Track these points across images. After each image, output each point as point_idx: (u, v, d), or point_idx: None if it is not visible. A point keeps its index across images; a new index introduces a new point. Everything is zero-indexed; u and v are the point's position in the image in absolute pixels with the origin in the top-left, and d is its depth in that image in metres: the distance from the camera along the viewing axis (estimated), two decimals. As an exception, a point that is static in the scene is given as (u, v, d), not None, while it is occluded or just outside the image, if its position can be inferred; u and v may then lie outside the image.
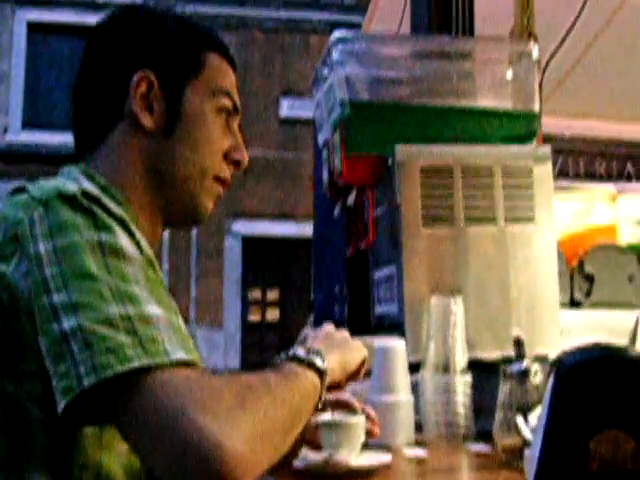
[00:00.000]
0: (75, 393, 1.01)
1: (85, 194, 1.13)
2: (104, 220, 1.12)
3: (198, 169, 1.36)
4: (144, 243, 1.19)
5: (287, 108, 16.07)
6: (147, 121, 1.32)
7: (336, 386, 1.38)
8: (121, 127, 1.33)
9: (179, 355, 1.05)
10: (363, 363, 1.45)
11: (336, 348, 1.35)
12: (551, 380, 1.09)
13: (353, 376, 1.43)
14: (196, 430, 0.99)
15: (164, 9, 1.43)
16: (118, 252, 1.10)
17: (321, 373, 1.24)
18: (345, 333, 1.44)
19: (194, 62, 1.36)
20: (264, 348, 15.81)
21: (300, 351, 1.25)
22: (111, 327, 1.03)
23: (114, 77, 1.33)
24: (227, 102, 1.40)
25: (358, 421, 1.50)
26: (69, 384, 1.01)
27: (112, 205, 1.16)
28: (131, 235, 1.15)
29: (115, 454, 1.13)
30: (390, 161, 2.24)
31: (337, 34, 2.42)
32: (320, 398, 1.24)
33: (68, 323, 1.03)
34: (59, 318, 1.04)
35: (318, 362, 1.24)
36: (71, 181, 1.21)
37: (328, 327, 1.45)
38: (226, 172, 1.41)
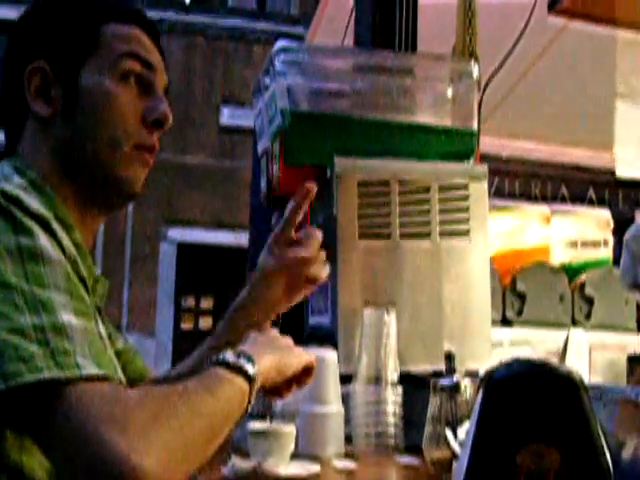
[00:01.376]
0: None
1: (4, 195, 1.11)
2: (23, 223, 1.10)
3: (108, 143, 1.31)
4: (67, 242, 1.17)
5: (227, 116, 16.01)
6: (43, 110, 1.31)
7: (276, 391, 1.38)
8: (30, 122, 1.33)
9: (91, 369, 1.03)
10: (310, 371, 1.43)
11: (273, 352, 1.33)
12: (480, 394, 1.10)
13: (299, 383, 1.42)
14: (105, 447, 0.97)
15: None
16: (38, 256, 1.08)
17: (250, 378, 1.21)
18: (288, 339, 1.42)
19: (87, 42, 1.32)
20: (196, 357, 15.65)
21: (229, 355, 1.22)
22: (23, 337, 1.01)
23: (14, 72, 1.33)
24: (131, 64, 1.34)
25: (288, 430, 1.50)
26: None
27: (34, 203, 1.14)
28: (52, 235, 1.13)
29: (37, 458, 1.11)
30: (329, 173, 2.25)
31: (280, 44, 2.42)
32: (249, 402, 1.22)
33: None
34: None
35: (247, 367, 1.21)
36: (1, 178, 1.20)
37: (271, 332, 1.43)
38: (145, 137, 1.35)
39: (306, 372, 1.42)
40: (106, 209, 1.40)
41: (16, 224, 1.09)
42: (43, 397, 1.01)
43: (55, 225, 1.15)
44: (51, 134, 1.32)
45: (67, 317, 1.05)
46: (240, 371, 1.21)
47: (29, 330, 1.02)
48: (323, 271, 1.64)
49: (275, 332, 1.44)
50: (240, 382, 1.20)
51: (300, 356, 1.40)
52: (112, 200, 1.38)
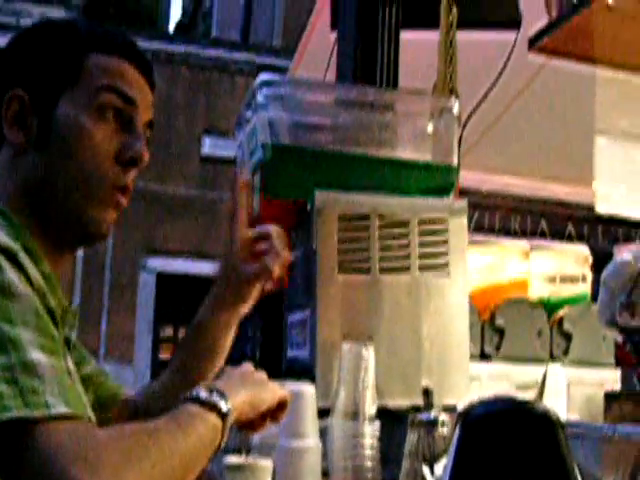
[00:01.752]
0: None
1: None
2: None
3: (78, 179, 1.29)
4: (34, 274, 1.16)
5: (209, 146, 16.03)
6: (18, 138, 1.30)
7: (250, 425, 1.37)
8: (4, 150, 1.32)
9: (60, 408, 1.02)
10: (284, 405, 1.42)
11: (247, 387, 1.32)
12: (457, 431, 1.11)
13: (274, 418, 1.41)
14: None
15: (55, 24, 1.39)
16: (5, 291, 1.07)
17: (223, 415, 1.21)
18: (263, 374, 1.42)
19: (67, 72, 1.30)
20: (173, 387, 15.58)
21: (202, 392, 1.21)
22: None
23: None
24: (110, 98, 1.31)
25: (265, 464, 1.49)
26: None
27: (0, 235, 1.13)
28: (19, 268, 1.12)
29: None
30: (309, 206, 2.26)
31: (263, 77, 2.43)
32: (222, 439, 1.21)
33: None
34: None
35: (220, 404, 1.21)
36: None
37: (246, 366, 1.42)
38: (118, 177, 1.32)
39: (280, 407, 1.41)
40: (72, 246, 1.38)
41: None
42: (12, 436, 0.99)
43: (22, 257, 1.14)
44: (23, 163, 1.30)
45: (36, 355, 1.04)
46: (213, 407, 1.20)
47: None
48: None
49: (249, 367, 1.42)
50: (213, 419, 1.20)
51: (274, 391, 1.39)
52: (77, 239, 1.36)
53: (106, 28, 1.39)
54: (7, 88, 1.30)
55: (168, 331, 16.28)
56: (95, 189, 1.30)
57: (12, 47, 1.35)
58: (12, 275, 1.09)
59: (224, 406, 1.21)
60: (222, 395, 1.22)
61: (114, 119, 1.32)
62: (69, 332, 1.35)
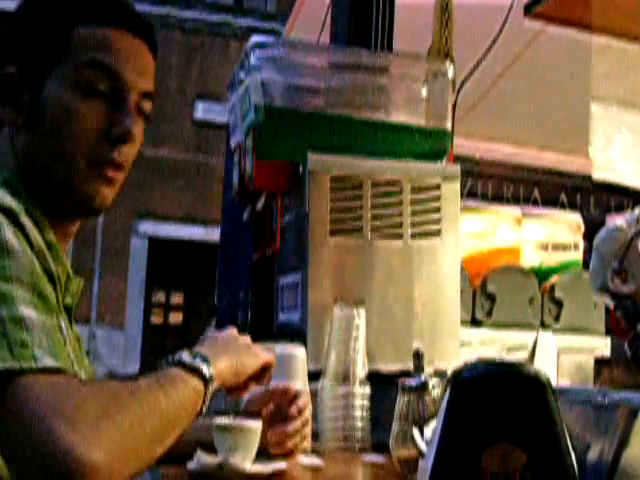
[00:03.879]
0: None
1: None
2: None
3: (65, 157, 1.29)
4: (37, 235, 1.17)
5: (202, 111, 15.96)
6: (10, 116, 1.30)
7: (236, 389, 1.39)
8: (5, 128, 1.33)
9: (46, 361, 1.03)
10: (268, 368, 1.45)
11: (230, 352, 1.34)
12: (447, 393, 1.10)
13: (257, 379, 1.43)
14: (53, 439, 0.97)
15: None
16: (2, 248, 1.08)
17: (205, 379, 1.22)
18: (247, 338, 1.44)
19: (54, 47, 1.29)
20: (165, 351, 15.52)
21: (185, 356, 1.22)
22: None
23: None
24: (94, 75, 1.28)
25: (254, 426, 1.49)
26: None
27: (5, 198, 1.15)
28: (20, 228, 1.13)
29: None
30: (301, 169, 2.25)
31: (256, 38, 2.41)
32: (204, 403, 1.22)
33: None
34: None
35: (202, 368, 1.22)
36: None
37: (230, 331, 1.44)
38: (104, 153, 1.30)
39: (264, 370, 1.44)
40: (71, 219, 1.38)
41: None
42: None
43: (24, 219, 1.15)
44: (17, 141, 1.31)
45: (27, 311, 1.05)
46: (196, 372, 1.21)
47: None
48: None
49: (233, 331, 1.44)
50: (195, 383, 1.21)
51: (257, 355, 1.42)
52: (73, 213, 1.36)
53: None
54: (1, 65, 1.30)
55: (160, 296, 16.30)
56: (83, 166, 1.29)
57: (6, 24, 1.35)
58: (9, 234, 1.10)
59: (207, 370, 1.22)
60: (205, 360, 1.23)
61: (102, 95, 1.30)
62: (72, 301, 1.35)
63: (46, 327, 1.07)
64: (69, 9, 1.31)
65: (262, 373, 1.44)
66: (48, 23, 1.30)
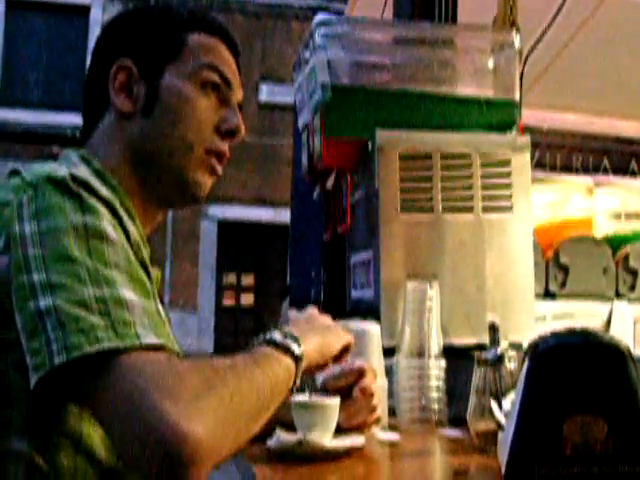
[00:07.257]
0: (46, 370, 1.02)
1: (74, 178, 1.16)
2: (90, 203, 1.14)
3: (182, 144, 1.38)
4: (132, 227, 1.22)
5: (266, 93, 16.03)
6: (125, 105, 1.38)
7: (317, 368, 1.42)
8: (108, 115, 1.40)
9: (149, 339, 1.06)
10: (347, 347, 1.49)
11: (316, 333, 1.38)
12: (526, 365, 1.10)
13: (337, 359, 1.47)
14: (157, 414, 0.99)
15: (155, 4, 1.48)
16: (101, 235, 1.12)
17: (296, 358, 1.25)
18: (328, 318, 1.48)
19: (172, 45, 1.40)
20: (238, 333, 15.80)
21: (276, 335, 1.26)
22: (85, 309, 1.04)
23: (100, 68, 1.41)
24: (211, 75, 1.41)
25: (332, 402, 1.50)
26: (41, 361, 1.03)
27: (102, 189, 1.19)
28: (118, 218, 1.18)
29: (95, 425, 1.13)
30: (370, 146, 2.24)
31: (320, 17, 2.41)
32: (295, 383, 1.26)
33: (44, 302, 1.04)
34: (36, 296, 1.05)
35: (294, 347, 1.26)
36: (65, 165, 1.23)
37: (312, 311, 1.48)
38: (218, 144, 1.42)
39: (344, 350, 1.48)
40: (167, 206, 1.47)
41: (83, 204, 1.14)
42: (102, 367, 1.03)
43: (122, 211, 1.21)
44: (128, 129, 1.39)
45: (128, 293, 1.09)
46: (287, 350, 1.25)
47: (91, 302, 1.05)
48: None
49: (315, 311, 1.49)
50: (287, 361, 1.24)
51: (340, 336, 1.46)
52: (175, 199, 1.45)
53: (203, 12, 1.51)
54: (114, 58, 1.40)
55: (231, 278, 16.45)
56: (195, 153, 1.39)
57: (118, 22, 1.46)
58: (108, 224, 1.14)
59: (297, 349, 1.26)
60: (295, 339, 1.27)
61: (213, 94, 1.42)
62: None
63: (146, 309, 1.10)
64: (184, 16, 1.44)
65: (342, 353, 1.48)
66: (166, 25, 1.42)
